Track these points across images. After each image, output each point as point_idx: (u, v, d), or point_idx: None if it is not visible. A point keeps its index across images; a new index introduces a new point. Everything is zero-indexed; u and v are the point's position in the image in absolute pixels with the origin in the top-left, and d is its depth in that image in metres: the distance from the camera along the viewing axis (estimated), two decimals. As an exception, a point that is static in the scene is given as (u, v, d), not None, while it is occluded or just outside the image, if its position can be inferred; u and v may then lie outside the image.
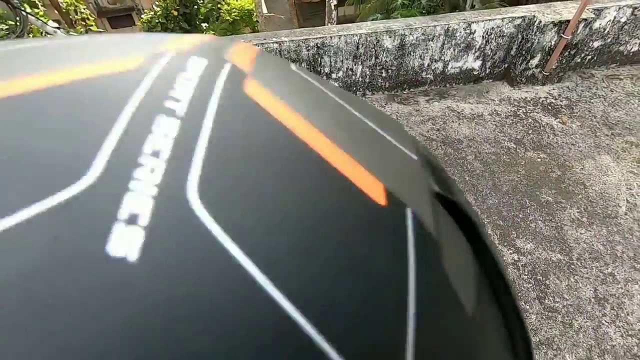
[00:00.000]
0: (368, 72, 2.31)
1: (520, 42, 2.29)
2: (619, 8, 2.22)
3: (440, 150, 2.00)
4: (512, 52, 2.34)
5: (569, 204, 1.68)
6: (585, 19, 2.12)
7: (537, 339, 1.27)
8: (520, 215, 1.65)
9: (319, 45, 2.11)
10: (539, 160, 1.90)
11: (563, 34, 2.13)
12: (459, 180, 1.84)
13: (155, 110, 0.13)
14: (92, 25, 6.92)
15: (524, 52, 2.29)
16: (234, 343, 0.10)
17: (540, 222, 1.62)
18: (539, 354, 1.24)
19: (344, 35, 2.10)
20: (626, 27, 2.33)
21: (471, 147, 2.01)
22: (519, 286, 1.41)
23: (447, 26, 2.15)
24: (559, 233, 1.57)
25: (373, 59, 2.23)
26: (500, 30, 2.23)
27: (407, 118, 2.24)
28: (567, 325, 1.30)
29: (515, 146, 1.99)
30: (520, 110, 2.23)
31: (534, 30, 2.18)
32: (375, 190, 0.15)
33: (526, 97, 2.32)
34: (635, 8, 2.24)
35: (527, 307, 1.35)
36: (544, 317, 1.32)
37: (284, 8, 9.23)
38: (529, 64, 2.31)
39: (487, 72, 2.42)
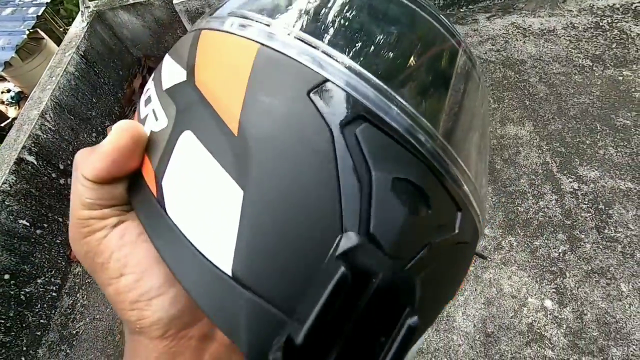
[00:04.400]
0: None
1: None
2: None
3: (498, 73, 1.80)
4: (602, -53, 1.91)
5: (652, 128, 1.46)
6: None
7: (590, 267, 1.20)
8: (587, 141, 1.47)
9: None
10: (620, 78, 1.63)
11: None
12: (518, 105, 1.66)
13: None
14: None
15: (617, -55, 1.86)
16: None
17: (611, 148, 1.43)
18: (589, 281, 1.18)
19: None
20: None
21: (536, 67, 1.77)
22: (575, 215, 1.31)
23: None
24: (634, 160, 1.39)
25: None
26: None
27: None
28: (628, 255, 1.20)
29: (591, 64, 1.71)
30: (604, 21, 1.87)
31: None
32: None
33: (614, 4, 1.93)
34: None
35: (582, 236, 1.26)
36: (601, 246, 1.23)
37: None
38: (623, -40, 1.88)
39: (566, -24, 2.03)
